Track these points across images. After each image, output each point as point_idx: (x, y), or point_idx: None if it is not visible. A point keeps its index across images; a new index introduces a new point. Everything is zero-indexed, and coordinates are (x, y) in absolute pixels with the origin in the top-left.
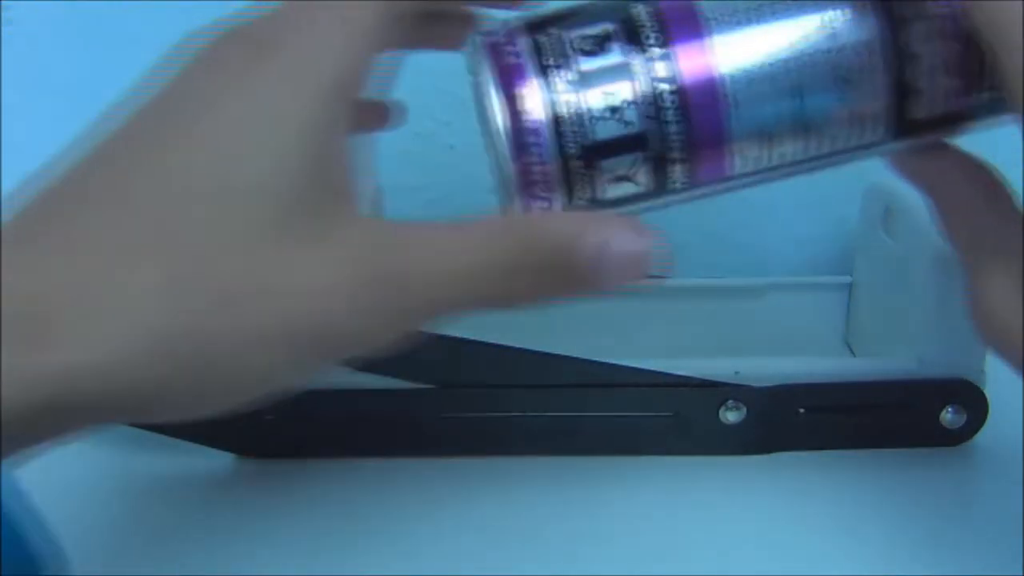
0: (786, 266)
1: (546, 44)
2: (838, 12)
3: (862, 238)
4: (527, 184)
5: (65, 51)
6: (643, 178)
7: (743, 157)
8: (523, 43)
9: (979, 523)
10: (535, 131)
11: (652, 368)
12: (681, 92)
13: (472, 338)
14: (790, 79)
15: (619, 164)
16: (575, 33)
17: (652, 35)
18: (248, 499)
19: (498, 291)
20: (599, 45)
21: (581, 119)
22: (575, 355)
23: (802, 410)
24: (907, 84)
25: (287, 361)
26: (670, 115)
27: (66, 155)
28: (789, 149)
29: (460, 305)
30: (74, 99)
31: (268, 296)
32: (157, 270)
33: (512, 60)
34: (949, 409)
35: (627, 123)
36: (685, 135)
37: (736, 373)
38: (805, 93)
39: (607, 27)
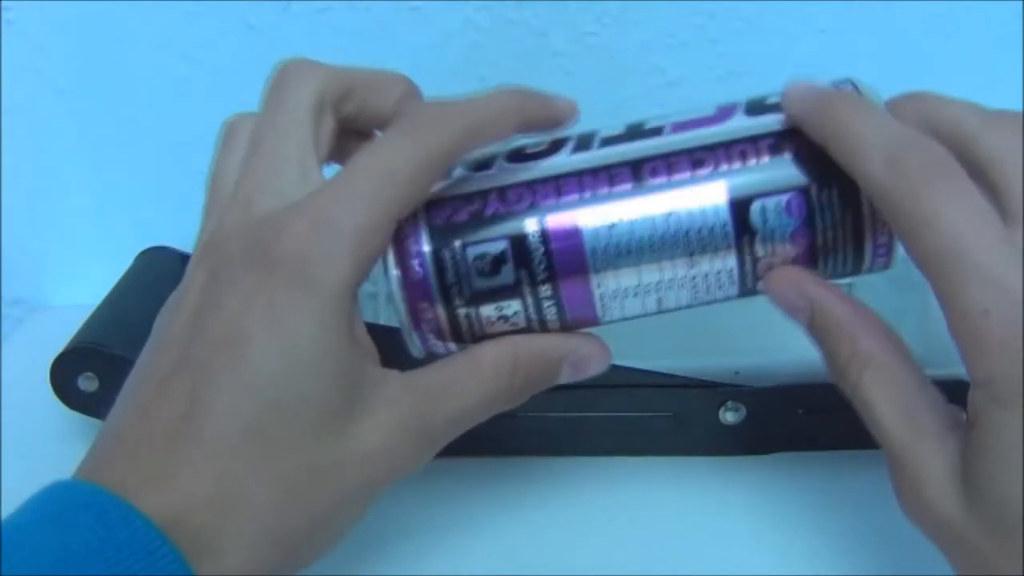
0: None
1: (447, 260)
2: (701, 267)
3: None
4: None
5: (65, 51)
6: None
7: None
8: (427, 255)
9: None
10: (437, 341)
11: (652, 368)
12: (563, 318)
13: None
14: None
15: None
16: (472, 252)
17: (541, 270)
18: None
19: (505, 405)
20: (494, 267)
21: (473, 325)
22: None
23: (801, 410)
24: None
25: (364, 509)
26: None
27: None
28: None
29: (476, 423)
30: (74, 99)
31: (346, 467)
32: (259, 482)
33: (417, 275)
34: None
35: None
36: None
37: (736, 373)
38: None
39: (502, 247)
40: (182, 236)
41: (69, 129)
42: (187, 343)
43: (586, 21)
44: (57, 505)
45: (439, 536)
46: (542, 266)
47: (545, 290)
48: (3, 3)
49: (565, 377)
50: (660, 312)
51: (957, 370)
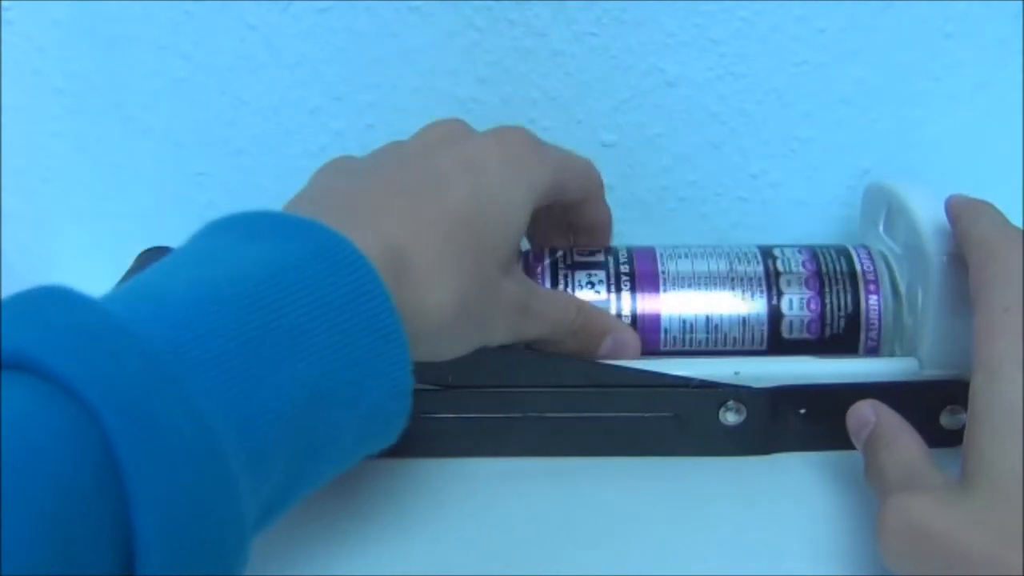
0: None
1: (559, 255)
2: (740, 293)
3: (862, 238)
4: None
5: (65, 51)
6: None
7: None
8: (547, 253)
9: None
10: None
11: (652, 369)
12: (635, 317)
13: None
14: (706, 331)
15: None
16: (577, 250)
17: (625, 283)
18: None
19: (560, 338)
20: (591, 253)
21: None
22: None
23: (802, 411)
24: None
25: (477, 344)
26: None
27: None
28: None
29: (542, 336)
30: (74, 99)
31: (501, 294)
32: (464, 254)
33: (540, 258)
34: (948, 410)
35: None
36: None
37: (736, 374)
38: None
39: (598, 250)
40: (182, 236)
41: (69, 129)
42: (427, 157)
43: (586, 21)
44: (256, 225)
45: (437, 536)
46: (624, 262)
47: (624, 267)
48: (3, 3)
49: (606, 348)
50: (708, 308)
51: (961, 372)
